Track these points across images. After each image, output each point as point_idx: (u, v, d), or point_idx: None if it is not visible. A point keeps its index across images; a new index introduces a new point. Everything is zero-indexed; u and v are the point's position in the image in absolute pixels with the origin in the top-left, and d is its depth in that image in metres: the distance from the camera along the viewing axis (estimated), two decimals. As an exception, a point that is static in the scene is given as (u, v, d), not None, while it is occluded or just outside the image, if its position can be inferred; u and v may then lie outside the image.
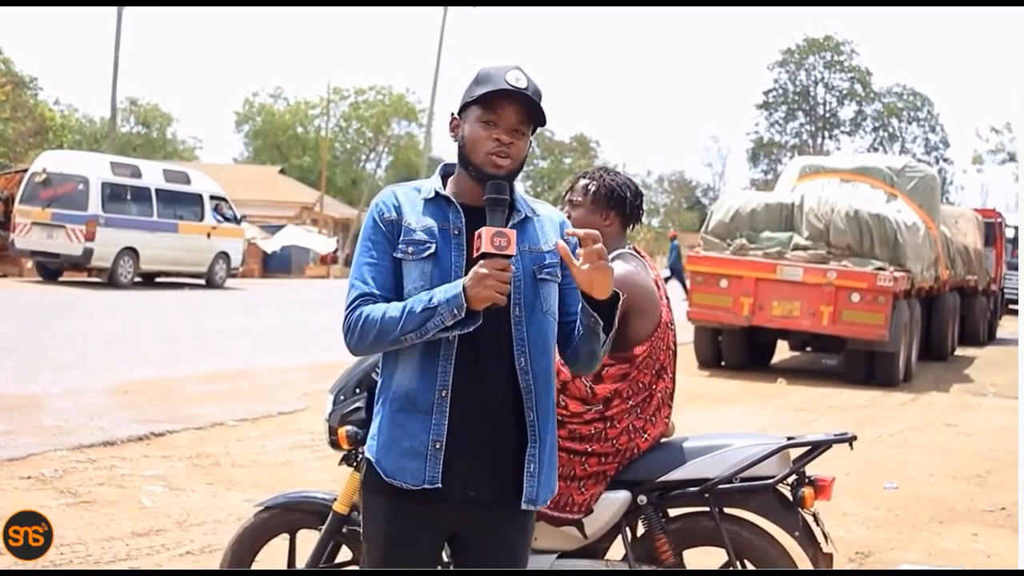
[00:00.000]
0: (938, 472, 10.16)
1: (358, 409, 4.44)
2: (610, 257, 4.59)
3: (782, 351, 20.10)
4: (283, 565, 4.86)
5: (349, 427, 4.40)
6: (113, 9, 43.38)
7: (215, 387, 12.59)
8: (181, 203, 28.67)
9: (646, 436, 4.57)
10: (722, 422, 12.18)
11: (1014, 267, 36.03)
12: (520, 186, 3.54)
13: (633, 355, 4.53)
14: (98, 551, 6.39)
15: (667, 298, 4.70)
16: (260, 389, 12.73)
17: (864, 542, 7.49)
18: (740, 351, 17.88)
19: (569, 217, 4.62)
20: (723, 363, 17.94)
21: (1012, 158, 41.65)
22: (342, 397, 4.55)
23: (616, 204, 4.67)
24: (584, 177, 4.75)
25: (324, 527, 4.60)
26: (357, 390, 4.51)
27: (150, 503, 7.54)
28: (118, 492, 7.78)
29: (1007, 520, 8.43)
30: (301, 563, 4.73)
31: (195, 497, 7.79)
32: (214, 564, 5.77)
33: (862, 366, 16.95)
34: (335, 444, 4.51)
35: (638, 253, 4.72)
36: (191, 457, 9.03)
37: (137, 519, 7.12)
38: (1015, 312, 37.29)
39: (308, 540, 4.86)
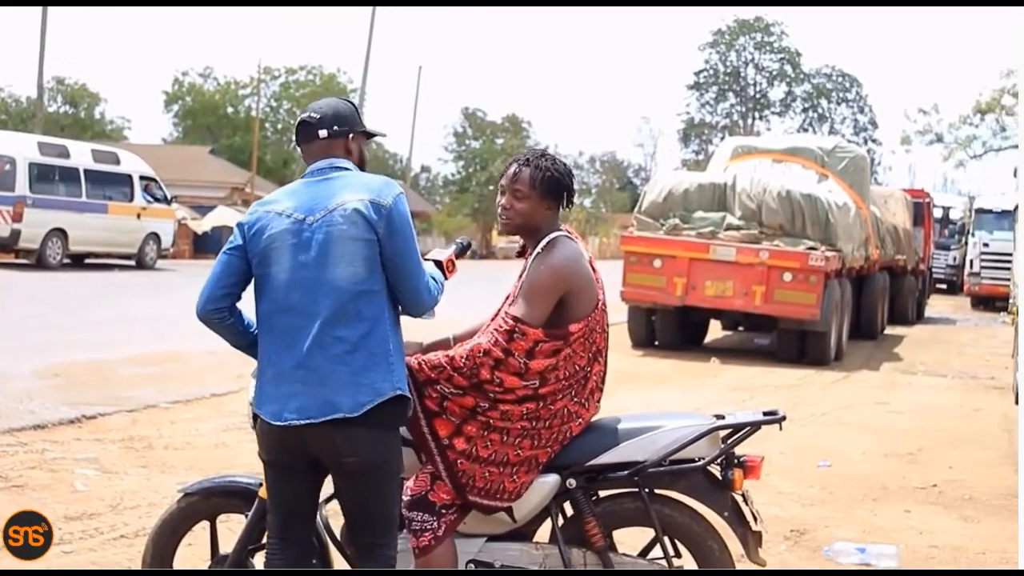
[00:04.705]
0: (870, 450, 10.28)
1: None
2: (547, 240, 4.55)
3: (715, 331, 20.24)
4: (207, 550, 4.81)
5: None
6: (39, -13, 42.72)
7: (147, 369, 12.47)
8: (110, 184, 28.37)
9: (579, 420, 4.54)
10: (655, 402, 12.24)
11: (942, 247, 36.70)
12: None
13: (568, 332, 4.47)
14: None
15: (601, 281, 4.67)
16: (193, 371, 12.61)
17: (799, 520, 7.56)
18: (673, 331, 17.99)
19: (510, 208, 4.55)
20: (656, 343, 18.04)
21: (939, 139, 42.27)
22: None
23: (558, 193, 4.57)
24: (524, 165, 4.55)
25: (251, 512, 4.54)
26: None
27: (83, 487, 7.46)
28: (50, 476, 7.68)
29: (939, 497, 8.55)
30: (224, 549, 4.68)
31: (128, 480, 7.71)
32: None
33: (794, 345, 17.12)
34: None
35: (571, 234, 4.65)
36: (124, 440, 8.93)
37: (70, 503, 7.04)
38: (942, 291, 37.93)
39: (228, 524, 4.84)
